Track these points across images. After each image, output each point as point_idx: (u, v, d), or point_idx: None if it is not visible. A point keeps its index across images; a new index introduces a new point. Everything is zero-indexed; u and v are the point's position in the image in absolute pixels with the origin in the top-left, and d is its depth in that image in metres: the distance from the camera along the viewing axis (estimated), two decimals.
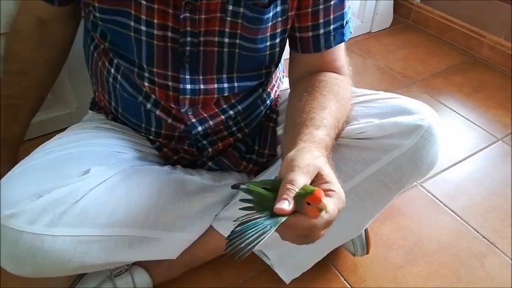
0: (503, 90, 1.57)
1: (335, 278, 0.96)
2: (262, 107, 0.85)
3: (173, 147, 0.83)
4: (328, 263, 0.97)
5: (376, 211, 0.80)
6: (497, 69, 1.68)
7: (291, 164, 0.54)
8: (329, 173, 0.56)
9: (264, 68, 0.77)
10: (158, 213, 0.76)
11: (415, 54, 1.76)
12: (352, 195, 0.75)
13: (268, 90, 0.85)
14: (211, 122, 0.78)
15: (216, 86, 0.73)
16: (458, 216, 1.12)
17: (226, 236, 0.84)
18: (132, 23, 0.66)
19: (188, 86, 0.72)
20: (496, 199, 1.16)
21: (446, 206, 1.14)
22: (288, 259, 0.88)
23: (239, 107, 0.80)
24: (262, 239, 0.49)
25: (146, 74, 0.72)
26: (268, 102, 0.86)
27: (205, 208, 0.82)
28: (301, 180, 0.52)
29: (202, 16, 0.66)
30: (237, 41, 0.70)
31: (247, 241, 0.49)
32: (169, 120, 0.77)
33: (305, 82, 0.74)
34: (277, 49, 0.75)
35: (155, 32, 0.67)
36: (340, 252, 1.00)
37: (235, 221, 0.51)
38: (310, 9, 0.70)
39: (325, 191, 0.53)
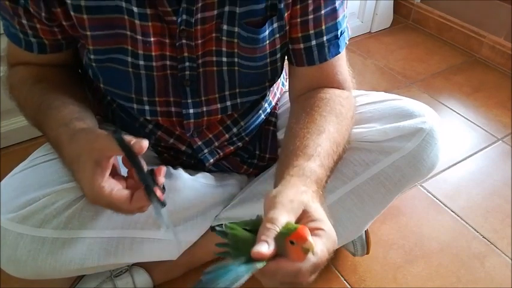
0: (503, 90, 1.57)
1: (335, 278, 0.96)
2: (263, 116, 0.84)
3: (173, 154, 0.84)
4: (328, 263, 0.97)
5: (376, 212, 0.80)
6: (497, 69, 1.68)
7: (272, 201, 0.49)
8: (317, 209, 0.50)
9: (267, 81, 0.74)
10: None
11: (415, 54, 1.76)
12: (352, 196, 0.75)
13: (270, 99, 0.85)
14: (216, 143, 0.78)
15: (219, 105, 0.72)
16: (458, 216, 1.12)
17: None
18: (129, 59, 0.64)
19: (191, 111, 0.71)
20: (496, 199, 1.16)
21: (446, 206, 1.14)
22: None
23: (242, 123, 0.80)
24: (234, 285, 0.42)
25: (147, 107, 0.70)
26: (268, 110, 0.86)
27: (205, 209, 0.82)
28: (283, 218, 0.46)
29: (199, 41, 0.64)
30: (236, 60, 0.68)
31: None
32: (171, 141, 0.77)
33: (305, 100, 0.70)
34: (279, 64, 0.72)
35: (154, 63, 0.65)
36: (340, 252, 1.00)
37: (205, 271, 0.45)
38: (298, 20, 0.66)
39: (313, 229, 0.47)
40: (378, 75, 1.65)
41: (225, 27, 0.64)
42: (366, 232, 0.94)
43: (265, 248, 0.44)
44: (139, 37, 0.62)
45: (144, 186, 0.55)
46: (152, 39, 0.62)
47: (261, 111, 0.83)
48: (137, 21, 0.60)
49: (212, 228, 0.60)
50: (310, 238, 0.44)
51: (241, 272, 0.43)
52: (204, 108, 0.72)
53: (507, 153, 1.31)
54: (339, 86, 0.72)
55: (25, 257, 0.66)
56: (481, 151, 1.32)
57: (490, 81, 1.62)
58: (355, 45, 1.81)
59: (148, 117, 0.72)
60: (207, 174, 0.85)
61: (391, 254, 1.02)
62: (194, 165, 0.84)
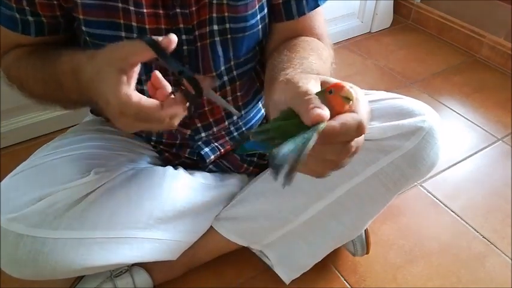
0: (503, 90, 1.57)
1: (335, 278, 0.96)
2: (263, 111, 0.84)
3: (174, 153, 0.84)
4: (328, 263, 0.97)
5: (376, 211, 0.80)
6: (497, 69, 1.68)
7: (291, 85, 0.47)
8: (332, 79, 0.49)
9: (257, 44, 0.74)
10: (159, 214, 0.76)
11: (415, 54, 1.76)
12: (352, 195, 0.75)
13: None
14: (215, 129, 0.78)
15: (217, 83, 0.73)
16: (458, 216, 1.12)
17: (226, 236, 0.86)
18: (123, 34, 0.64)
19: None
20: (496, 199, 1.16)
21: (446, 206, 1.14)
22: (288, 259, 0.89)
23: (243, 112, 0.80)
24: (306, 147, 0.39)
25: (145, 87, 0.68)
26: None
27: (205, 209, 0.82)
28: (313, 87, 0.45)
29: (193, 8, 0.64)
30: (227, 26, 0.67)
31: (293, 153, 0.39)
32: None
33: (286, 43, 0.69)
34: (267, 20, 0.72)
35: None
36: (340, 252, 1.00)
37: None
38: None
39: None
40: (378, 75, 1.65)
41: None
42: (366, 232, 0.94)
43: (320, 110, 0.42)
44: (132, 8, 0.61)
45: (179, 72, 0.50)
46: (145, 10, 0.61)
47: (260, 106, 0.83)
48: None
49: (237, 140, 0.54)
50: (347, 86, 0.43)
51: (308, 134, 0.40)
52: None
53: (507, 153, 1.31)
54: (317, 39, 0.72)
55: (25, 258, 0.66)
56: (481, 151, 1.32)
57: (490, 81, 1.62)
58: (355, 45, 1.81)
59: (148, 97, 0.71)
60: (207, 174, 0.85)
61: (391, 254, 1.02)
62: (195, 165, 0.84)
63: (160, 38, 0.50)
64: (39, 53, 0.65)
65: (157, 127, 0.53)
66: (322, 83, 0.48)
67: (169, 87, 0.52)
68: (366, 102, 0.46)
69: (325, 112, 0.42)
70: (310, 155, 0.42)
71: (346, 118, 0.43)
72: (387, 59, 1.73)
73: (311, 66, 0.60)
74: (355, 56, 1.74)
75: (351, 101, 0.43)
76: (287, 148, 0.39)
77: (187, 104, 0.52)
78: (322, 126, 0.41)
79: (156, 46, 0.49)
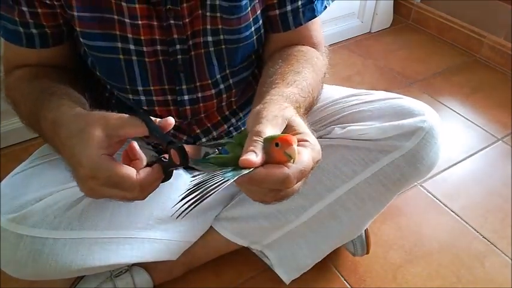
0: (503, 90, 1.57)
1: (335, 278, 0.96)
2: None
3: None
4: (328, 263, 0.97)
5: (376, 211, 0.80)
6: (497, 69, 1.68)
7: (257, 117, 0.49)
8: (300, 123, 0.51)
9: (253, 53, 0.75)
10: (159, 214, 0.76)
11: (415, 54, 1.77)
12: (352, 196, 0.75)
13: None
14: (214, 133, 0.79)
15: (213, 91, 0.73)
16: (458, 216, 1.12)
17: (226, 237, 0.86)
18: (119, 44, 0.64)
19: (186, 97, 0.71)
20: (496, 199, 1.16)
21: (446, 206, 1.14)
22: (288, 259, 0.89)
23: (241, 114, 0.80)
24: (216, 190, 0.42)
25: (142, 97, 0.70)
26: None
27: (205, 209, 0.82)
28: (268, 131, 0.47)
29: (187, 20, 0.64)
30: (221, 37, 0.68)
31: (197, 193, 0.41)
32: (171, 131, 0.77)
33: (282, 52, 0.71)
34: (263, 30, 0.72)
35: (144, 49, 0.65)
36: (340, 252, 1.00)
37: (193, 177, 0.44)
38: None
39: (298, 141, 0.47)
40: (377, 75, 1.65)
41: (208, 1, 0.64)
42: (366, 232, 0.94)
43: (253, 156, 0.44)
44: (127, 20, 0.62)
45: (168, 142, 0.49)
46: (140, 22, 0.62)
47: None
48: (124, 4, 0.60)
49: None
50: (295, 145, 0.44)
51: (228, 176, 0.43)
52: (199, 94, 0.72)
53: (507, 153, 1.31)
54: (313, 47, 0.73)
55: (25, 258, 0.66)
56: (481, 151, 1.32)
57: (490, 81, 1.62)
58: (355, 45, 1.81)
59: (146, 107, 0.71)
60: None
61: (391, 254, 1.02)
62: None
63: (157, 120, 0.50)
64: (38, 83, 0.64)
65: (126, 196, 0.50)
66: (288, 126, 0.50)
67: (145, 160, 0.51)
68: (309, 161, 0.47)
69: (255, 160, 0.44)
70: (240, 184, 0.47)
71: (274, 170, 0.45)
72: (387, 59, 1.73)
73: (303, 83, 0.62)
74: (355, 56, 1.74)
75: (292, 160, 0.44)
76: (205, 182, 0.42)
77: (163, 177, 0.51)
78: (246, 172, 0.43)
79: (151, 125, 0.49)
